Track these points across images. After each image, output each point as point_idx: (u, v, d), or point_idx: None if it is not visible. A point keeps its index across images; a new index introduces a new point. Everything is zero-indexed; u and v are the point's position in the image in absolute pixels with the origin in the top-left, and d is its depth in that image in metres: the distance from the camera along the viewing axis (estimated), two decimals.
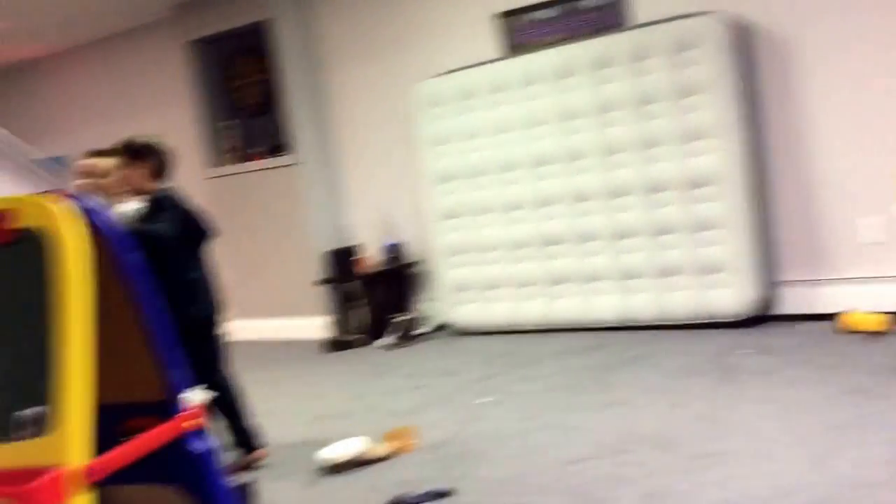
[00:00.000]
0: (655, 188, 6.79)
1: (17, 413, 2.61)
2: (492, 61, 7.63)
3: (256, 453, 5.28)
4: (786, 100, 6.57)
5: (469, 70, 7.65)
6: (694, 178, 6.61)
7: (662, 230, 6.81)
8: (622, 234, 7.00)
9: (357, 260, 8.51)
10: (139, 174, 5.02)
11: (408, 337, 8.00)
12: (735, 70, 6.45)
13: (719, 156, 6.50)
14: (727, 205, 6.51)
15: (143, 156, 5.03)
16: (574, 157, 7.13)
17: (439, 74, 7.83)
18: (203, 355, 4.80)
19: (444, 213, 7.85)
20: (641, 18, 7.00)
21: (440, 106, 7.74)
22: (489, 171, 7.56)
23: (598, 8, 7.28)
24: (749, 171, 6.50)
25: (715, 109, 6.48)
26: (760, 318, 6.59)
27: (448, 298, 7.95)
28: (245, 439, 5.26)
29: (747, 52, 6.59)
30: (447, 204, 7.81)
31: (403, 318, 8.10)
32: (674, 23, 6.62)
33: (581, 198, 7.14)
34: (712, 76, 6.47)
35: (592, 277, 7.17)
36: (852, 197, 6.44)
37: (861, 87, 6.31)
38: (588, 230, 7.15)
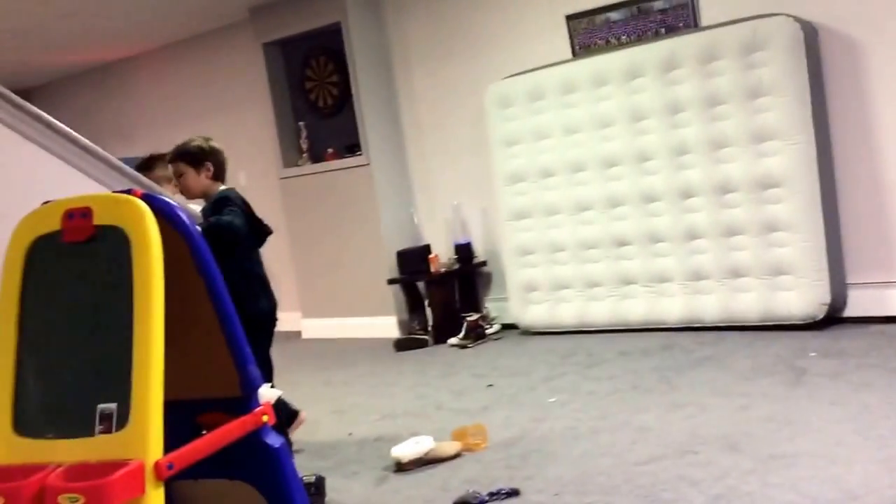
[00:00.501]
0: (724, 189, 6.77)
1: (96, 408, 2.65)
2: (562, 62, 7.65)
3: (298, 419, 5.38)
4: (854, 101, 6.52)
5: (539, 71, 7.68)
6: (763, 180, 6.58)
7: (731, 231, 6.78)
8: (690, 236, 6.98)
9: (428, 259, 8.57)
10: (197, 178, 5.13)
11: (477, 336, 8.03)
12: (804, 71, 6.40)
13: (788, 157, 6.46)
14: (796, 206, 6.47)
15: (198, 160, 5.12)
16: (643, 158, 7.14)
17: (510, 76, 7.86)
18: (261, 351, 4.85)
19: (513, 213, 7.88)
20: (710, 20, 6.98)
21: (511, 107, 7.77)
22: (558, 171, 7.58)
23: (667, 9, 7.27)
24: (818, 173, 6.44)
25: (784, 111, 6.44)
26: (829, 321, 6.53)
27: (517, 298, 7.98)
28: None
29: (816, 53, 6.54)
30: (517, 204, 7.85)
31: (473, 317, 8.13)
32: (743, 24, 6.59)
33: (650, 199, 7.14)
34: (781, 77, 6.43)
35: (660, 278, 7.17)
36: None
37: None
38: (656, 231, 7.15)
